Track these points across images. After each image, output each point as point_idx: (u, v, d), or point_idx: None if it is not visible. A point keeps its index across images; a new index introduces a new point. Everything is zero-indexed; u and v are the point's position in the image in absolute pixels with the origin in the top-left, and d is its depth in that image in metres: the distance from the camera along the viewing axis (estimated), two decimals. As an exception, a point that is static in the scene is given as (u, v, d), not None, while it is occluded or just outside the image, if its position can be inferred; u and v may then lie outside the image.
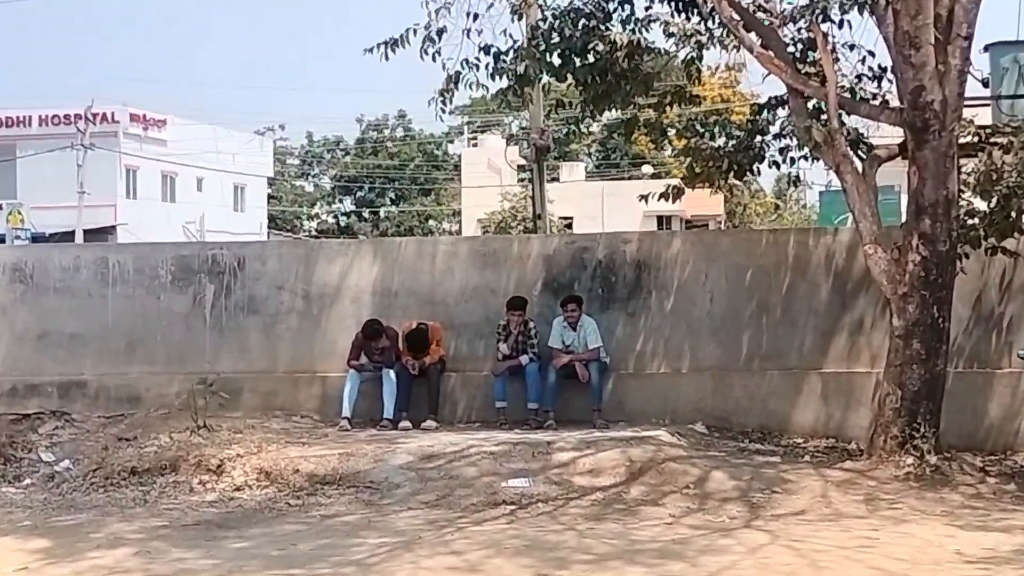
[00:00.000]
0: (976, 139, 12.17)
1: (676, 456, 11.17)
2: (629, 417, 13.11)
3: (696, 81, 13.74)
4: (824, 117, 12.05)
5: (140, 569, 8.25)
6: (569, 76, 12.72)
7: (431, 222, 73.52)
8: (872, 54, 12.80)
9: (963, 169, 11.80)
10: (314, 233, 71.14)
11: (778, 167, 13.61)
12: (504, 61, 12.34)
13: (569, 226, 49.88)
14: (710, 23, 12.70)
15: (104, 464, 11.33)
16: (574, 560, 8.26)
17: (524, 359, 13.22)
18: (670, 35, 12.83)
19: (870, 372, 12.83)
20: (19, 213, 43.07)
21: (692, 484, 10.47)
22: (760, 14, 12.20)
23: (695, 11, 12.65)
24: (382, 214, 75.92)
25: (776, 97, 13.24)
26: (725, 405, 13.24)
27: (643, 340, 13.57)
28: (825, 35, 11.95)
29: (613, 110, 13.37)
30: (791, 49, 12.53)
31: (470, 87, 12.37)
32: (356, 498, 10.39)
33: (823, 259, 13.36)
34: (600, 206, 51.59)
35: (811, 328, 13.32)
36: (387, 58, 11.92)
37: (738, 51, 12.87)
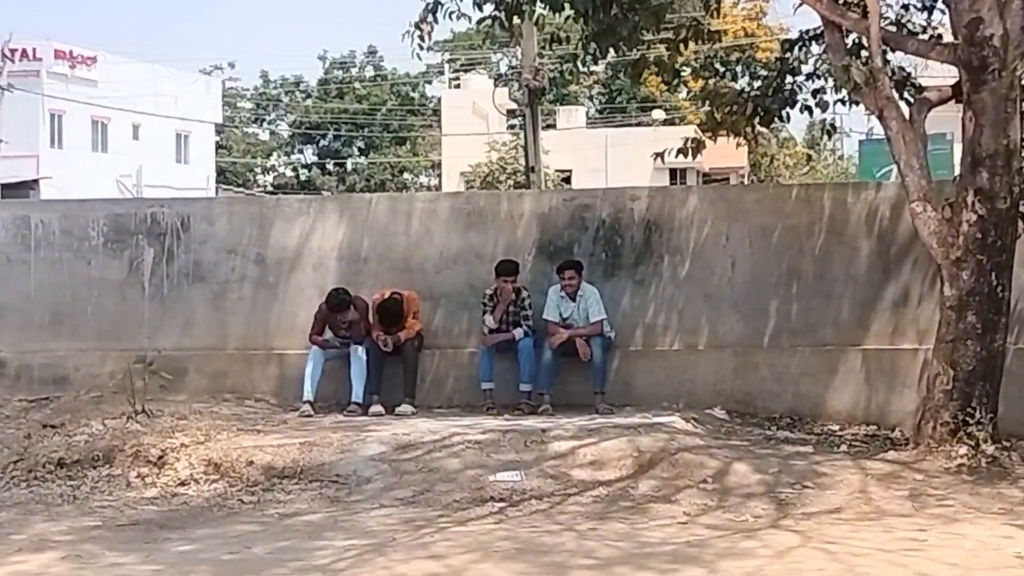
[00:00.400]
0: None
1: (691, 446, 11.21)
2: (637, 401, 13.17)
3: (716, 13, 13.74)
4: (865, 54, 12.04)
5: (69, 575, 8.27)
6: (567, 7, 12.68)
7: (406, 175, 73.57)
8: (922, -20, 12.82)
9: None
10: (270, 188, 71.18)
11: (811, 112, 13.62)
12: (492, -14, 12.32)
13: (567, 180, 50.02)
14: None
15: (27, 455, 11.32)
16: (573, 565, 8.28)
17: (518, 332, 13.22)
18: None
19: (917, 349, 12.90)
20: (-75, 165, 43.05)
21: (710, 478, 10.51)
22: (790, -68, 12.20)
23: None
24: (349, 166, 75.95)
25: (809, 31, 13.23)
26: (749, 387, 13.31)
27: (653, 312, 13.61)
28: (867, -43, 11.95)
29: (619, 49, 13.28)
30: (827, -26, 12.51)
31: (452, 18, 12.33)
32: (320, 494, 10.40)
33: (863, 218, 13.37)
34: (603, 157, 51.64)
35: (849, 298, 13.36)
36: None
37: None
